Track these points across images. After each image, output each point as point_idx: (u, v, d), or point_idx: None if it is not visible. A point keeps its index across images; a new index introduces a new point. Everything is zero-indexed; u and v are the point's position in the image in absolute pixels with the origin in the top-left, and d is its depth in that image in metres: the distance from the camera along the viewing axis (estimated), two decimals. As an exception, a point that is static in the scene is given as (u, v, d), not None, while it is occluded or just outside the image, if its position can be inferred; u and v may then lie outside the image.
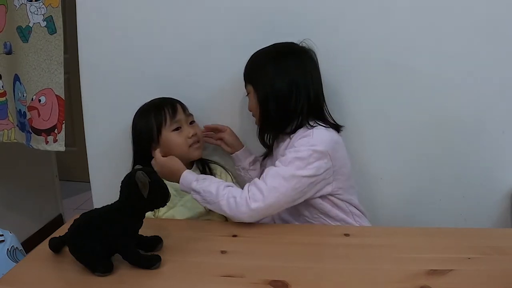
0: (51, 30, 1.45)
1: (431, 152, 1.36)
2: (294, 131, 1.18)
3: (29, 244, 1.52)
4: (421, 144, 1.36)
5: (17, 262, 1.39)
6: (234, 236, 1.07)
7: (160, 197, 0.94)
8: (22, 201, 2.26)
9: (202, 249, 1.01)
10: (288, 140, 1.19)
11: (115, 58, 1.42)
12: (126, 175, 0.94)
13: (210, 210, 1.32)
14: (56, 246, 0.98)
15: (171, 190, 0.97)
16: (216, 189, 1.11)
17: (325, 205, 1.17)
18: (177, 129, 1.29)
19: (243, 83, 1.28)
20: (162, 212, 1.28)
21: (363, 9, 1.28)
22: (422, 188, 1.39)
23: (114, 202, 0.94)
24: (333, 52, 1.29)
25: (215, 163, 1.41)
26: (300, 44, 1.22)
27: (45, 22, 1.45)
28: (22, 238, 1.95)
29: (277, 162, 1.12)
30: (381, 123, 1.35)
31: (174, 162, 1.21)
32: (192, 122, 1.34)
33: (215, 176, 1.37)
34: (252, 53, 1.22)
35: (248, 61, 1.23)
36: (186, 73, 1.40)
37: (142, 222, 0.95)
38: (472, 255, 0.94)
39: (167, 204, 0.96)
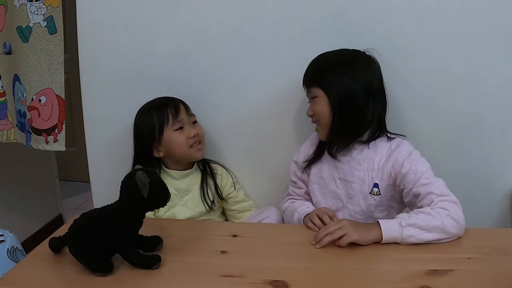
0: (52, 30, 1.45)
1: (431, 151, 1.36)
2: (371, 139, 1.16)
3: (29, 244, 1.52)
4: (421, 144, 1.35)
5: (17, 262, 1.39)
6: (234, 236, 1.07)
7: (160, 197, 0.94)
8: (22, 201, 2.26)
9: (202, 249, 1.01)
10: (365, 149, 1.17)
11: (115, 58, 1.42)
12: (126, 175, 0.94)
13: (210, 209, 1.33)
14: (56, 246, 0.98)
15: (172, 189, 0.98)
16: (433, 218, 1.00)
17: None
18: (179, 129, 1.29)
19: (245, 83, 1.28)
20: (162, 212, 1.28)
21: (369, 7, 1.28)
22: (422, 188, 1.39)
23: (114, 202, 0.94)
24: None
25: (216, 163, 1.41)
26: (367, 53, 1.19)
27: (45, 22, 1.45)
28: (22, 238, 1.95)
29: (423, 180, 1.08)
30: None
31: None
32: (194, 122, 1.34)
33: (215, 176, 1.38)
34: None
35: (315, 63, 1.18)
36: (187, 73, 1.40)
37: (142, 222, 0.95)
38: (472, 255, 0.94)
39: (167, 204, 0.96)
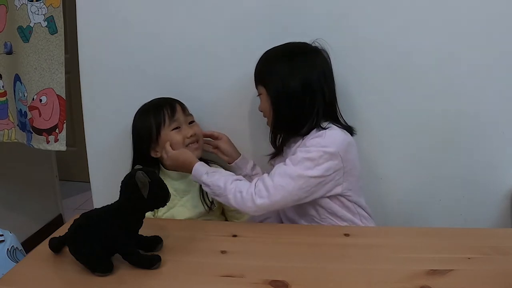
0: (52, 30, 1.45)
1: (431, 152, 1.36)
2: (307, 132, 1.15)
3: (29, 244, 1.52)
4: (421, 144, 1.36)
5: (17, 262, 1.39)
6: (234, 236, 1.07)
7: (160, 197, 0.94)
8: (22, 201, 2.26)
9: (202, 249, 1.01)
10: (300, 140, 1.16)
11: (115, 58, 1.42)
12: (126, 175, 0.94)
13: (210, 210, 1.34)
14: (56, 246, 0.98)
15: (171, 190, 0.98)
16: (224, 183, 1.13)
17: (333, 205, 1.16)
18: (176, 129, 1.29)
19: (244, 82, 1.28)
20: (162, 212, 1.28)
21: (369, 9, 1.28)
22: (422, 188, 1.39)
23: (114, 202, 0.94)
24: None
25: (215, 163, 1.41)
26: (313, 44, 1.20)
27: (46, 22, 1.45)
28: (22, 238, 1.95)
29: (287, 160, 1.11)
30: (381, 124, 1.35)
31: (186, 155, 1.23)
32: (191, 122, 1.34)
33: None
34: (258, 53, 1.19)
35: (259, 61, 1.20)
36: (186, 73, 1.40)
37: (142, 222, 0.95)
38: (472, 255, 0.94)
39: (167, 204, 0.96)
